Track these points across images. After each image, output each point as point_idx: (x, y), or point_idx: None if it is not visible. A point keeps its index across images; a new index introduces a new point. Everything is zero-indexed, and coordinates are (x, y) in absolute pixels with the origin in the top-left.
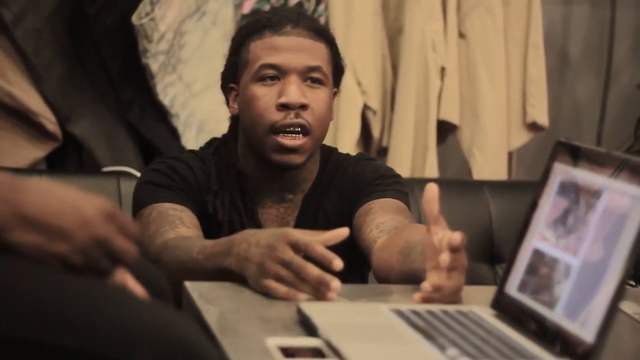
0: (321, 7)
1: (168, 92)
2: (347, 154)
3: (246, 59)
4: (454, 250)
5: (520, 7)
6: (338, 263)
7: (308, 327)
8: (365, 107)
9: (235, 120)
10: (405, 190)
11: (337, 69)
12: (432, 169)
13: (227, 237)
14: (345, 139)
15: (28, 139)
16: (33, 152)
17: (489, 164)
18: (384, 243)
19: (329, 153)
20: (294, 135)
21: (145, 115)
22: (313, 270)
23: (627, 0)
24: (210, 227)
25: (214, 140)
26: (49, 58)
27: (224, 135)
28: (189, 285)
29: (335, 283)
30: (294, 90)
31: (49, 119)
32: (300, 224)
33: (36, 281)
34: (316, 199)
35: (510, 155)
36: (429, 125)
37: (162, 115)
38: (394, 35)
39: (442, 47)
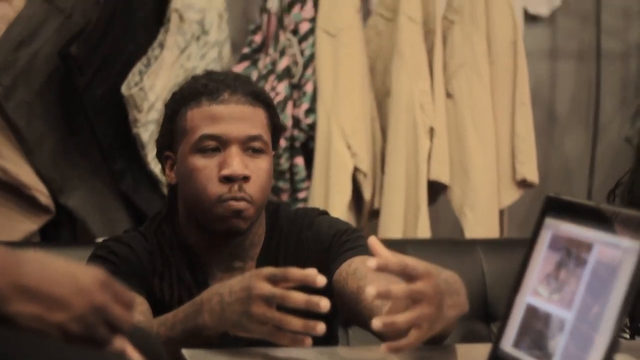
0: (309, 71)
1: None
2: (298, 209)
3: (184, 127)
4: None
5: (506, 65)
6: (325, 303)
7: None
8: (356, 170)
9: (172, 189)
10: None
11: (276, 131)
12: (424, 230)
13: (191, 300)
14: (336, 203)
15: (21, 212)
16: (27, 225)
17: (480, 222)
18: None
19: (275, 210)
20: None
21: (138, 185)
22: (295, 322)
23: (612, 53)
24: (161, 310)
25: (156, 215)
26: (41, 131)
27: (164, 207)
28: (186, 352)
29: (321, 326)
30: (236, 163)
31: (41, 192)
32: None
33: (36, 351)
34: (271, 264)
35: (501, 213)
36: (419, 186)
37: (155, 184)
38: (381, 98)
39: (430, 108)
